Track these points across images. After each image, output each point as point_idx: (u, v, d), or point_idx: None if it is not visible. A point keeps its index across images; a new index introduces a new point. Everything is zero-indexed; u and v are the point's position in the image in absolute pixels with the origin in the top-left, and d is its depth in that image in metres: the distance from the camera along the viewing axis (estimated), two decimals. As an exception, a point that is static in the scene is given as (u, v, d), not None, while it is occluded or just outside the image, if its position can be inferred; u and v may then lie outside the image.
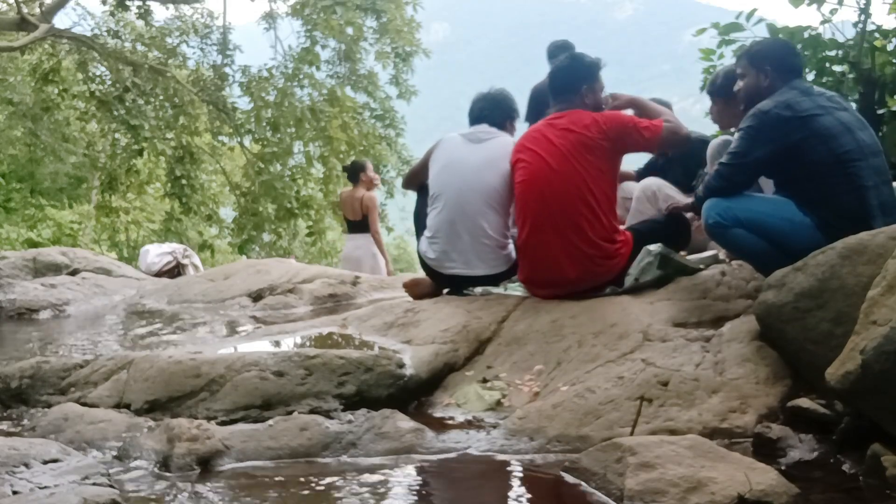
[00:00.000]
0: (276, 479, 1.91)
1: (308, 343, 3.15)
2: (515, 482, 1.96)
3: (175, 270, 7.54)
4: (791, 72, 2.93)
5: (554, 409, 2.22)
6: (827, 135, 2.74)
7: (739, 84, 3.07)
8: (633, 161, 4.26)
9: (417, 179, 3.83)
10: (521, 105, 3.94)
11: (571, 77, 3.36)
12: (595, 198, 3.13)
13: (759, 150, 2.80)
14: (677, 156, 4.35)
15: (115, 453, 2.06)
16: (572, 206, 3.12)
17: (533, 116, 4.34)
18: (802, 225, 2.76)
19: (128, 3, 12.18)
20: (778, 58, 2.98)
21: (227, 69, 13.20)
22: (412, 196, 3.98)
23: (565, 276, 3.13)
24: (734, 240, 2.89)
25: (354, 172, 7.37)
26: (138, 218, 18.61)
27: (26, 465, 1.74)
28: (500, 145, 3.50)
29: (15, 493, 1.59)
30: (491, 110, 3.64)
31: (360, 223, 7.35)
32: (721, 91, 3.52)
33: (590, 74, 3.36)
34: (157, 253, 7.78)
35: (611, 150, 3.18)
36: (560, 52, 6.13)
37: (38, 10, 11.85)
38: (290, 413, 2.32)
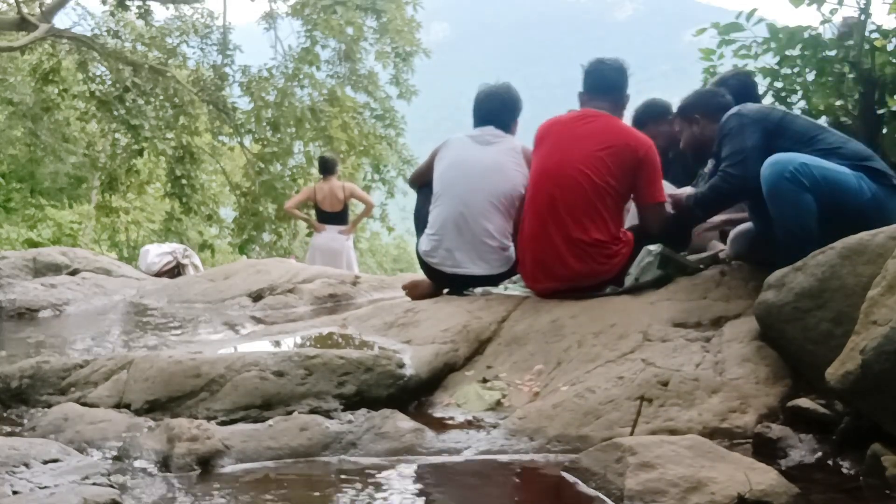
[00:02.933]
0: (276, 479, 1.91)
1: (308, 343, 3.15)
2: (515, 482, 1.96)
3: (175, 270, 7.54)
4: (721, 111, 3.05)
5: (554, 409, 2.22)
6: (796, 122, 2.94)
7: (683, 142, 3.28)
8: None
9: (423, 178, 3.81)
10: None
11: (622, 80, 3.37)
12: (604, 200, 3.14)
13: (751, 137, 2.87)
14: (678, 155, 4.34)
15: (115, 453, 2.06)
16: (581, 203, 3.13)
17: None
18: (862, 182, 2.68)
19: (128, 3, 12.19)
20: (703, 104, 3.20)
21: (227, 69, 13.22)
22: (412, 196, 3.97)
23: (569, 269, 3.13)
24: (799, 205, 2.60)
25: (333, 165, 7.54)
26: (138, 218, 18.61)
27: (26, 465, 1.74)
28: (508, 150, 3.50)
29: (15, 492, 1.59)
30: (499, 112, 3.61)
31: (338, 214, 7.47)
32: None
33: (628, 84, 3.42)
34: (157, 253, 7.78)
35: (632, 167, 3.16)
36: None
37: (38, 10, 11.86)
38: (290, 413, 2.32)
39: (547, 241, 3.18)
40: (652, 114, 4.39)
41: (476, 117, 3.66)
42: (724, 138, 2.94)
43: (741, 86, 3.45)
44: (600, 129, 3.21)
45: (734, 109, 3.00)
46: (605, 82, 3.34)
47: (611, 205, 3.16)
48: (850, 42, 3.89)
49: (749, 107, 2.98)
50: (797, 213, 2.60)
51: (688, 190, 3.35)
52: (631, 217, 3.81)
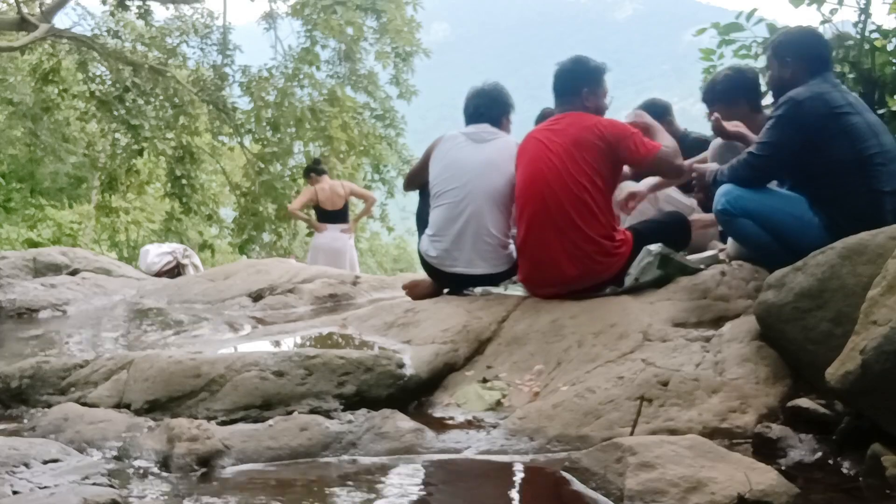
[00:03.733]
0: (277, 479, 1.91)
1: (308, 343, 3.16)
2: (515, 482, 1.96)
3: (175, 270, 7.55)
4: (816, 61, 2.91)
5: (554, 409, 2.22)
6: (854, 134, 2.73)
7: (767, 75, 3.11)
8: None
9: (419, 180, 3.82)
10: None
11: (573, 79, 3.37)
12: (591, 195, 3.13)
13: (792, 139, 2.78)
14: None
15: (115, 453, 2.06)
16: (569, 203, 3.13)
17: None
18: (810, 224, 2.76)
19: (128, 3, 12.17)
20: (800, 48, 2.97)
21: (227, 69, 13.19)
22: (413, 196, 3.97)
23: (565, 274, 3.13)
24: (739, 229, 2.92)
25: (323, 164, 7.76)
26: (138, 218, 18.61)
27: (26, 465, 1.74)
28: (504, 146, 3.51)
29: (15, 493, 1.59)
30: (488, 107, 3.63)
31: (339, 213, 7.55)
32: (723, 97, 3.52)
33: (592, 78, 3.37)
34: (157, 253, 7.78)
35: (606, 152, 3.17)
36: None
37: (38, 10, 11.84)
38: (290, 413, 2.32)
39: (543, 247, 3.17)
40: (651, 115, 4.38)
41: (467, 115, 3.68)
42: (771, 118, 2.85)
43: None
44: (565, 128, 3.26)
45: (803, 94, 2.77)
46: (558, 87, 3.42)
47: (598, 198, 3.16)
48: (850, 42, 3.89)
49: (813, 102, 2.75)
50: (740, 236, 2.99)
51: (713, 166, 3.31)
52: (631, 217, 3.82)
